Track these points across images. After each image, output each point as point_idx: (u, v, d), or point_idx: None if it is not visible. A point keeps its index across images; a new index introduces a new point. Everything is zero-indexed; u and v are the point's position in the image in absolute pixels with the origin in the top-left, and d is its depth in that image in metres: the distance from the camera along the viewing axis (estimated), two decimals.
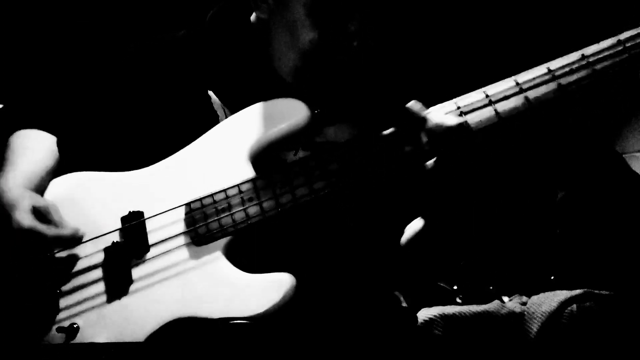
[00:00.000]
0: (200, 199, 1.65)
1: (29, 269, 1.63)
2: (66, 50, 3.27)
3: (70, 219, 1.68)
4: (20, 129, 1.82)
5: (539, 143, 3.26)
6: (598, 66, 1.56)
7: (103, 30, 3.28)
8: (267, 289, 1.55)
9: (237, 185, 1.64)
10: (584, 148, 3.28)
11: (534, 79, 1.58)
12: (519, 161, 3.30)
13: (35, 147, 1.79)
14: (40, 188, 1.74)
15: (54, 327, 1.63)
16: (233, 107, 1.79)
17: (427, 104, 1.64)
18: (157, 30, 1.99)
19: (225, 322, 1.52)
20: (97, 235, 1.67)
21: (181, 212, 1.66)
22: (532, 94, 1.57)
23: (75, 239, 1.65)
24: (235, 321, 1.52)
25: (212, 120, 1.78)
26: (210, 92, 1.82)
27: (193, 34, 1.92)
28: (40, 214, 1.64)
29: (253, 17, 1.88)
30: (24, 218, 1.61)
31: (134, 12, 3.32)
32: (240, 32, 1.88)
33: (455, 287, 3.05)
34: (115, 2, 3.37)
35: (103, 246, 1.67)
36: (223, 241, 1.62)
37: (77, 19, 3.32)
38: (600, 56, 1.56)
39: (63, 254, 1.67)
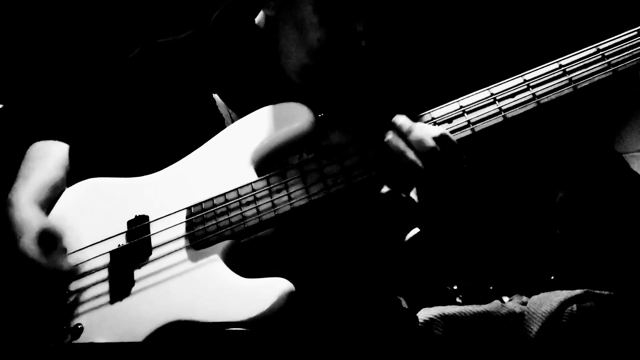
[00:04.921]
0: (201, 203, 1.66)
1: (36, 275, 1.65)
2: (73, 55, 3.28)
3: (82, 223, 1.73)
4: (36, 140, 1.84)
5: (539, 143, 3.26)
6: (613, 60, 1.54)
7: (108, 34, 3.28)
8: (262, 294, 1.53)
9: (236, 189, 1.64)
10: (584, 148, 3.28)
11: (541, 76, 1.57)
12: (519, 161, 3.30)
13: (47, 159, 1.81)
14: (51, 200, 1.77)
15: (60, 327, 1.64)
16: (238, 109, 1.79)
17: (429, 106, 1.63)
18: (162, 32, 1.98)
19: (220, 327, 1.52)
20: (104, 238, 1.70)
21: (183, 216, 1.66)
22: (539, 92, 1.56)
23: (71, 274, 1.67)
24: (231, 328, 1.52)
25: (217, 123, 1.77)
26: (215, 95, 1.82)
27: (197, 35, 1.91)
28: (48, 237, 1.66)
29: (258, 17, 1.87)
30: (29, 248, 1.63)
31: (139, 15, 3.32)
32: (245, 34, 1.86)
33: (455, 287, 3.05)
34: (120, 5, 3.37)
35: (110, 248, 1.69)
36: (222, 245, 1.62)
37: (82, 23, 3.32)
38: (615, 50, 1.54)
39: (73, 257, 1.70)
